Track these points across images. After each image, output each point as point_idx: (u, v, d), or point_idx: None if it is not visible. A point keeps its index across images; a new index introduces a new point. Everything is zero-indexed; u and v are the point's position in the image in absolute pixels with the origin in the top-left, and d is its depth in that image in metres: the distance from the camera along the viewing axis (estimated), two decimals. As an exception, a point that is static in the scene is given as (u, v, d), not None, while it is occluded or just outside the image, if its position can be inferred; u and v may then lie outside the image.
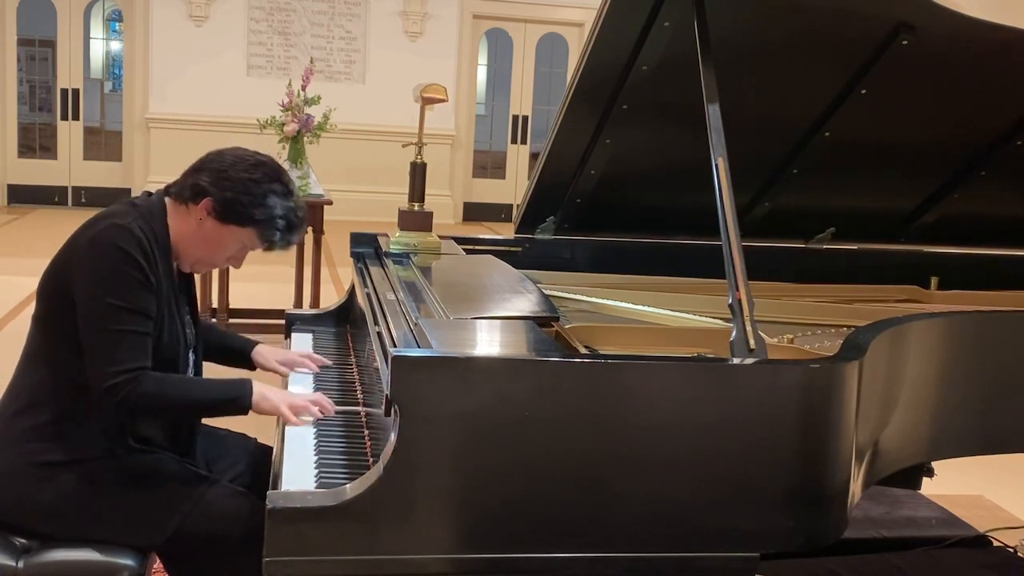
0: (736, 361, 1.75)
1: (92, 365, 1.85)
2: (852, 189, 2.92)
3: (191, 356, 2.09)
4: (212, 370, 2.18)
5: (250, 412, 1.95)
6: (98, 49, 11.23)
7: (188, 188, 1.97)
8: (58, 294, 1.90)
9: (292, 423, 1.94)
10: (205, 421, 2.17)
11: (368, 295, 2.23)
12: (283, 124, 5.48)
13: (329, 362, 2.33)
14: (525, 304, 2.07)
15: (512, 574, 1.62)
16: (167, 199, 2.00)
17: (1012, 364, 2.28)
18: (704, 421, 1.65)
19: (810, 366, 1.71)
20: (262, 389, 1.96)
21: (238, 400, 1.94)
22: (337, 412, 2.00)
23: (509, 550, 1.60)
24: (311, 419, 1.96)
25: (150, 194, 2.03)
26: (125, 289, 1.85)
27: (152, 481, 1.93)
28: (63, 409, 1.91)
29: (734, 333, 1.79)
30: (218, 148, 2.03)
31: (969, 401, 2.23)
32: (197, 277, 2.30)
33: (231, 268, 5.44)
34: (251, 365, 2.31)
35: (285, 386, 2.20)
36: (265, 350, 2.31)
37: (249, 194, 1.95)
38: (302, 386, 2.19)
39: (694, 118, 2.03)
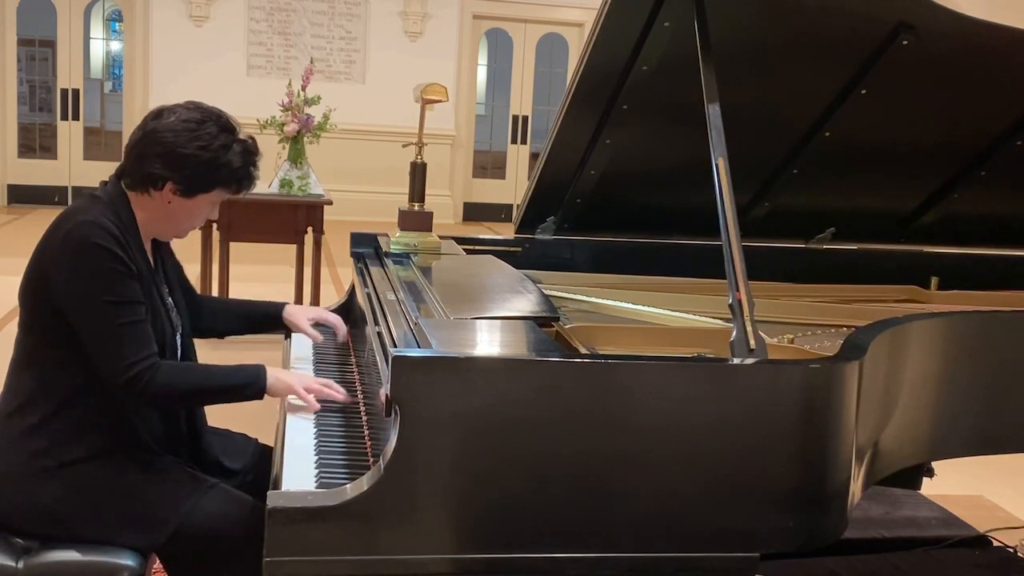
0: (736, 361, 1.75)
1: (104, 365, 1.86)
2: (852, 189, 2.92)
3: (178, 340, 2.08)
4: (218, 355, 2.18)
5: (265, 396, 1.99)
6: (98, 49, 11.23)
7: (143, 178, 1.94)
8: (38, 299, 1.90)
9: (309, 404, 1.97)
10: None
11: (368, 295, 2.23)
12: (283, 124, 5.48)
13: (344, 332, 2.40)
14: (525, 304, 2.07)
15: (512, 574, 1.62)
16: (126, 190, 1.97)
17: (1012, 364, 2.28)
18: (704, 421, 1.65)
19: (810, 366, 1.71)
20: (276, 372, 2.00)
21: (253, 384, 1.97)
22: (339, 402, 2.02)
23: (509, 550, 1.60)
24: (317, 408, 1.99)
25: (105, 183, 2.00)
26: (112, 283, 1.85)
27: (152, 481, 1.93)
28: (58, 411, 1.91)
29: (734, 333, 1.79)
30: (153, 114, 1.96)
31: (969, 401, 2.23)
32: (194, 278, 2.30)
33: (230, 268, 5.50)
34: (278, 327, 2.39)
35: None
36: (295, 309, 2.38)
37: (206, 164, 1.93)
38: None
39: (694, 118, 2.03)
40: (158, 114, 1.96)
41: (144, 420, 1.97)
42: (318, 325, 2.40)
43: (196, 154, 1.91)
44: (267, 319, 2.40)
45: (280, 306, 2.40)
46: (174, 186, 1.94)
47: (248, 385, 1.97)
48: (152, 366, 1.86)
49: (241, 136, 1.99)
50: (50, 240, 1.89)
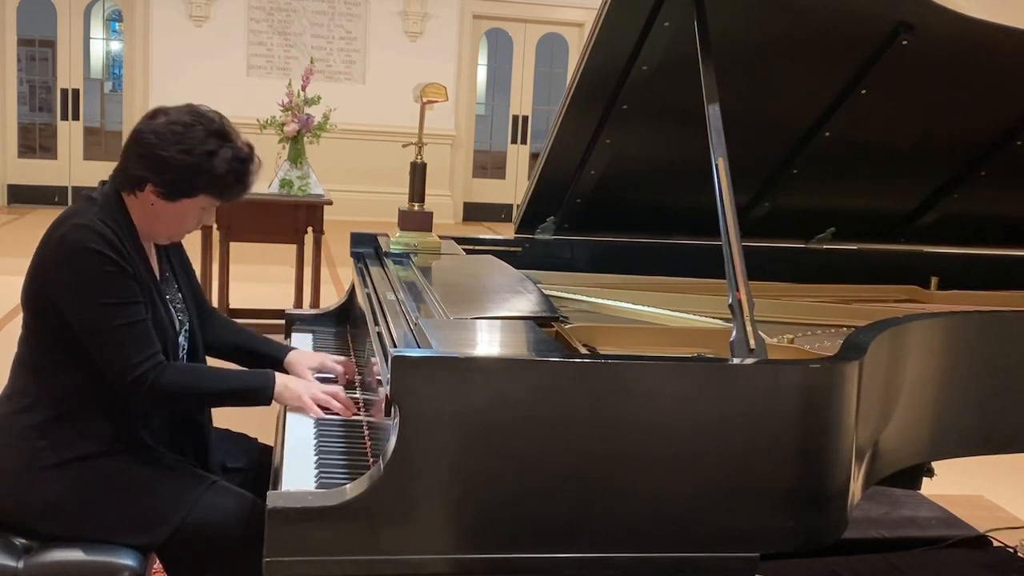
0: (736, 361, 1.75)
1: (109, 366, 1.87)
2: (852, 189, 2.92)
3: (182, 340, 2.08)
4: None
5: (272, 403, 2.00)
6: (98, 49, 11.23)
7: (127, 179, 1.93)
8: (39, 302, 1.91)
9: (315, 413, 1.98)
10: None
11: (368, 295, 2.23)
12: (283, 124, 5.48)
13: (349, 373, 2.24)
14: (525, 304, 2.07)
15: (512, 574, 1.62)
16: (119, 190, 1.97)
17: (1012, 364, 2.28)
18: (704, 421, 1.65)
19: (810, 366, 1.71)
20: (284, 380, 2.02)
21: (262, 390, 1.98)
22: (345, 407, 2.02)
23: (509, 550, 1.60)
24: (320, 416, 1.99)
25: (104, 183, 2.00)
26: (109, 286, 1.85)
27: (152, 481, 1.93)
28: (60, 410, 1.91)
29: (734, 333, 1.79)
30: (148, 115, 1.95)
31: (969, 401, 2.23)
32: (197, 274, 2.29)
33: (230, 268, 5.50)
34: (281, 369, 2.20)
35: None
36: (297, 357, 2.22)
37: (187, 168, 1.89)
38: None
39: (694, 118, 2.03)
40: (152, 115, 1.95)
41: (148, 419, 1.97)
42: (320, 375, 2.20)
43: (176, 157, 1.88)
44: (266, 360, 2.23)
45: (284, 351, 2.26)
46: (155, 188, 1.92)
47: (257, 390, 1.99)
48: (156, 366, 1.87)
49: (236, 143, 1.95)
50: (46, 244, 1.90)
